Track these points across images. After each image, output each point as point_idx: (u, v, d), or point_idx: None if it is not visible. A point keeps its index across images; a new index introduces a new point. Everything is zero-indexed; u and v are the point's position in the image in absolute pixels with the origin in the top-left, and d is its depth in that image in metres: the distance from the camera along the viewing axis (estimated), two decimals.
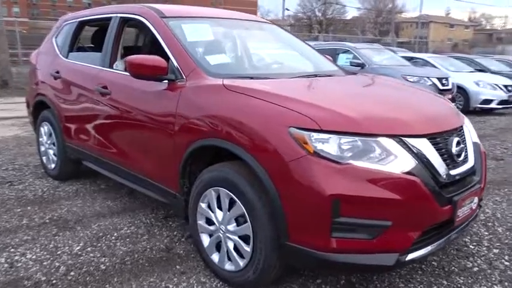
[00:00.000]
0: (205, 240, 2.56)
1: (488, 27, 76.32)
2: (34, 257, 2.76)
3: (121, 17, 3.43)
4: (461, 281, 2.55)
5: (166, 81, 2.75)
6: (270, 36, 3.65)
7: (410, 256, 2.10)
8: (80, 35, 4.11)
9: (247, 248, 2.27)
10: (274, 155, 2.08)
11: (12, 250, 2.84)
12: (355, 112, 2.14)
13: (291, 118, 2.09)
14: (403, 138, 2.10)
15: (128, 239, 3.02)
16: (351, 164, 1.99)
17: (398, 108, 2.39)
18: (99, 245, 2.94)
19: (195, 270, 2.63)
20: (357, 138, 2.04)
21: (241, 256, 2.34)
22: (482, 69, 11.47)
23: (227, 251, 2.41)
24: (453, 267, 2.70)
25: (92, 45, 4.20)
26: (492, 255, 2.87)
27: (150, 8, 3.22)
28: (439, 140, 2.24)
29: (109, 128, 3.28)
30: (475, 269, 2.70)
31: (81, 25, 4.05)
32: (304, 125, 2.05)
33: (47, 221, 3.31)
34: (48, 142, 4.23)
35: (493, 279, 2.59)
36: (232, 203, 2.34)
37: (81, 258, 2.76)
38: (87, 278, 2.53)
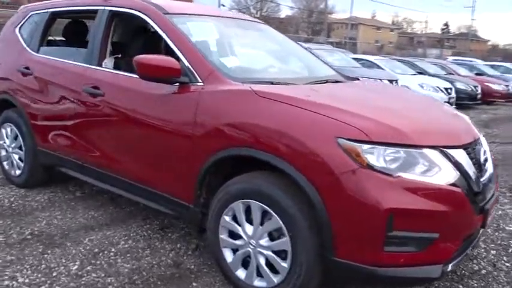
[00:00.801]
0: (228, 255, 2.40)
1: (409, 31, 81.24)
2: (27, 280, 2.43)
3: (111, 11, 3.13)
4: (475, 285, 2.63)
5: (177, 83, 2.54)
6: (268, 38, 3.52)
7: (450, 266, 2.11)
8: (51, 28, 3.71)
9: (284, 264, 2.16)
10: (322, 167, 1.99)
11: (6, 272, 2.48)
12: (400, 123, 2.11)
13: (338, 129, 2.01)
14: (444, 149, 2.10)
15: (128, 255, 2.77)
16: (401, 177, 1.96)
17: (433, 120, 2.40)
18: (98, 262, 2.66)
19: (213, 287, 2.47)
20: (404, 149, 2.01)
21: (275, 272, 2.22)
22: (422, 72, 12.15)
23: (257, 266, 2.28)
24: (463, 271, 2.77)
25: (64, 39, 3.82)
26: (492, 257, 3.00)
27: (149, 2, 2.97)
28: (470, 150, 2.27)
29: (100, 133, 3.00)
30: (483, 271, 2.80)
31: (54, 16, 3.66)
32: (354, 137, 1.98)
33: (28, 236, 2.95)
34: (12, 146, 3.78)
35: (501, 280, 2.70)
36: (264, 216, 2.22)
37: (83, 279, 2.48)
38: None
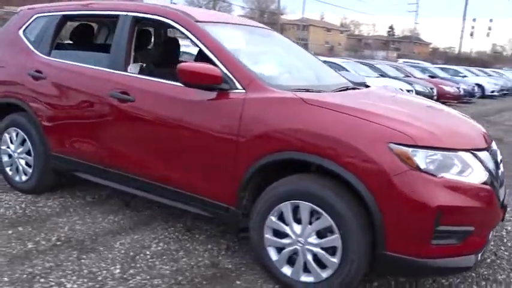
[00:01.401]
0: (273, 253, 2.54)
1: (356, 33, 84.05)
2: (76, 286, 2.45)
3: (134, 16, 3.17)
4: (485, 272, 2.93)
5: (217, 90, 2.65)
6: (283, 44, 3.68)
7: (480, 255, 2.37)
8: (61, 31, 3.66)
9: (334, 259, 2.33)
10: (375, 170, 2.18)
11: (43, 280, 2.47)
12: (437, 129, 2.35)
13: (389, 135, 2.21)
14: (474, 151, 2.35)
15: (164, 257, 2.84)
16: (444, 177, 2.18)
17: (459, 125, 2.65)
18: (138, 265, 2.71)
19: (257, 283, 2.61)
20: (444, 152, 2.24)
21: (322, 267, 2.38)
22: (383, 74, 12.75)
23: (305, 263, 2.43)
24: None
25: (75, 43, 3.78)
26: (492, 247, 3.32)
27: (178, 10, 3.04)
28: (490, 151, 2.55)
29: (130, 138, 3.02)
30: (488, 260, 3.11)
31: (66, 19, 3.61)
32: (404, 141, 2.18)
33: (57, 243, 2.93)
34: (19, 151, 3.69)
35: (505, 267, 3.02)
36: (312, 216, 2.38)
37: (131, 282, 2.52)
38: None
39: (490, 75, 21.70)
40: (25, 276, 2.50)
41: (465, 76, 19.27)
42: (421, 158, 2.17)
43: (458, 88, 14.75)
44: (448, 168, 2.22)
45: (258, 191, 2.58)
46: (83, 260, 2.72)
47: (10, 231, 3.05)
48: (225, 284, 2.58)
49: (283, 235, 2.48)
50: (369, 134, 2.23)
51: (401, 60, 27.85)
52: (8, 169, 3.82)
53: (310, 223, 2.38)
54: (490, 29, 61.40)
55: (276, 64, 3.23)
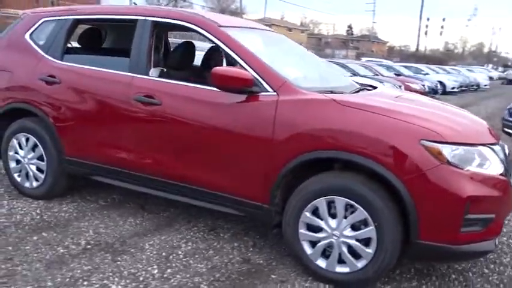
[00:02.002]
0: (307, 247, 2.68)
1: (315, 32, 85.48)
2: (120, 287, 2.50)
3: (153, 21, 3.22)
4: (491, 256, 3.18)
5: (247, 93, 2.76)
6: (293, 47, 3.82)
7: (497, 240, 2.61)
8: (72, 35, 3.65)
9: (369, 250, 2.50)
10: (409, 165, 2.36)
11: (86, 283, 2.51)
12: (459, 126, 2.57)
13: (421, 132, 2.39)
14: (491, 146, 2.58)
15: (196, 256, 2.92)
16: (469, 170, 2.40)
17: (472, 121, 2.88)
18: (174, 265, 2.78)
19: (291, 276, 2.74)
20: (468, 148, 2.45)
21: (357, 258, 2.55)
22: (355, 73, 13.13)
23: (339, 254, 2.59)
24: None
25: (86, 47, 3.77)
26: None
27: (199, 15, 3.13)
28: (500, 145, 2.79)
29: (157, 141, 3.07)
30: (505, 258, 3.34)
31: (77, 24, 3.60)
32: (433, 138, 2.38)
33: (88, 246, 2.95)
34: (30, 156, 3.64)
35: (506, 252, 3.29)
36: (346, 210, 2.53)
37: (172, 281, 2.60)
38: None
39: (449, 73, 22.76)
40: (67, 280, 2.53)
41: (427, 74, 20.11)
42: (449, 153, 2.37)
43: (423, 85, 15.38)
44: (471, 162, 2.44)
45: (289, 188, 2.72)
46: (118, 262, 2.77)
47: (35, 237, 3.04)
48: (262, 279, 2.70)
49: (318, 229, 2.63)
50: (403, 132, 2.41)
51: (364, 59, 28.59)
52: (16, 175, 3.76)
53: (345, 217, 2.54)
54: (442, 27, 64.21)
55: (296, 67, 3.35)
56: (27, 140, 3.64)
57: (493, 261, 3.12)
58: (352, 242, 2.54)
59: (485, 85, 24.81)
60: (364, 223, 2.50)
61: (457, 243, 2.40)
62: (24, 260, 2.72)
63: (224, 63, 3.65)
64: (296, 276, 2.75)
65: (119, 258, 2.81)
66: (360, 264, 2.54)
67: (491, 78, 30.59)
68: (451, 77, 21.09)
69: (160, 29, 3.44)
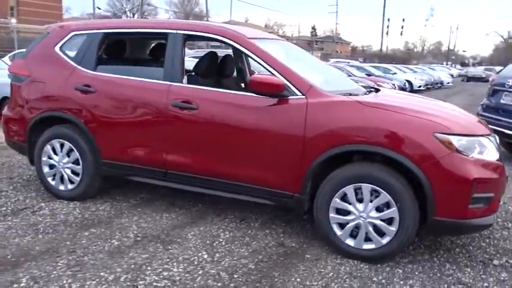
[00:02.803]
0: (337, 229, 3.10)
1: (280, 34, 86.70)
2: (181, 269, 2.85)
3: (184, 34, 3.57)
4: (486, 232, 3.70)
5: (278, 97, 3.16)
6: (305, 54, 4.24)
7: (495, 215, 3.11)
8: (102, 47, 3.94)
9: (392, 228, 2.94)
10: (426, 154, 2.82)
11: (150, 268, 2.84)
12: (462, 121, 3.07)
13: (434, 126, 2.86)
14: (488, 136, 3.09)
15: (236, 242, 3.29)
16: (474, 157, 2.89)
17: (468, 116, 3.37)
18: (220, 250, 3.14)
19: (322, 255, 3.15)
20: (472, 138, 2.95)
21: (381, 235, 2.99)
22: None
23: (366, 233, 3.02)
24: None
25: (110, 57, 4.06)
26: None
27: (228, 28, 3.51)
28: (493, 135, 3.30)
29: (195, 142, 3.41)
30: (496, 233, 3.85)
31: (108, 37, 3.90)
32: (444, 131, 2.85)
33: (138, 238, 3.27)
34: (65, 161, 3.91)
35: (497, 228, 3.83)
36: (371, 195, 2.97)
37: (223, 263, 2.96)
38: (252, 277, 2.80)
39: (415, 72, 23.88)
40: (132, 266, 2.85)
41: (395, 73, 21.07)
42: (457, 142, 2.85)
43: (393, 85, 16.19)
44: (474, 150, 2.93)
45: (317, 178, 3.13)
46: (170, 250, 3.10)
47: (86, 233, 3.33)
48: (298, 258, 3.10)
49: (346, 213, 3.06)
50: (418, 126, 2.88)
51: (332, 60, 29.44)
52: (49, 179, 4.01)
53: (371, 201, 2.98)
54: (402, 27, 66.56)
55: (313, 72, 3.76)
56: (61, 145, 3.90)
57: (487, 237, 3.63)
58: (377, 222, 2.98)
59: (448, 83, 26.13)
60: (387, 205, 2.94)
61: (466, 218, 2.89)
62: (86, 252, 3.01)
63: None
64: (327, 255, 3.16)
65: (169, 247, 3.15)
66: (385, 240, 2.98)
67: (451, 76, 32.11)
68: (418, 75, 22.17)
69: (190, 42, 3.78)
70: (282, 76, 3.20)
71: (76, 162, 3.87)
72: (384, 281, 2.85)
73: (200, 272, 2.83)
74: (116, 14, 57.02)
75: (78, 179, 3.90)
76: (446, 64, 56.10)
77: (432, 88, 23.03)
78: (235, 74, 4.41)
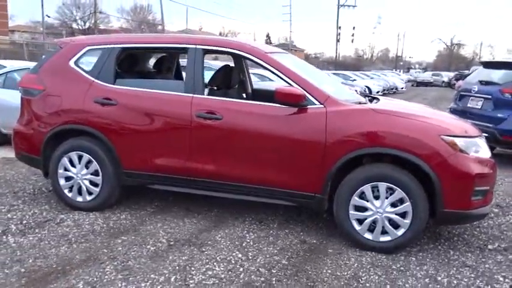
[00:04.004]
0: (356, 224, 3.44)
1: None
2: (222, 268, 3.07)
3: (203, 49, 3.80)
4: (485, 225, 4.15)
5: (298, 107, 3.47)
6: (309, 65, 4.56)
7: (490, 206, 3.57)
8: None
9: (407, 220, 3.31)
10: (435, 154, 3.22)
11: (193, 268, 3.05)
12: (460, 124, 3.52)
13: (440, 130, 3.27)
14: (480, 137, 3.54)
15: (263, 242, 3.55)
16: (473, 155, 3.32)
17: (461, 120, 3.82)
18: (251, 249, 3.39)
19: (343, 249, 3.47)
20: (470, 139, 3.38)
21: (396, 228, 3.35)
22: None
23: (382, 227, 3.38)
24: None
25: (125, 71, 4.22)
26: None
27: (246, 44, 3.79)
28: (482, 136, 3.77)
29: (219, 150, 3.64)
30: (484, 223, 4.30)
31: (124, 51, 4.05)
32: (449, 133, 3.27)
33: (171, 243, 3.45)
34: (83, 173, 4.01)
35: (486, 219, 4.30)
36: (386, 192, 3.33)
37: (259, 260, 3.21)
38: (288, 272, 3.08)
39: (372, 78, 25.00)
40: (177, 268, 3.05)
41: (354, 80, 21.99)
42: (461, 143, 3.26)
43: (356, 91, 16.95)
44: (472, 149, 3.36)
45: (336, 179, 3.46)
46: (206, 252, 3.32)
47: (119, 241, 3.47)
48: (323, 253, 3.41)
49: (364, 209, 3.40)
50: (427, 130, 3.27)
51: None
52: (66, 191, 4.10)
53: (386, 198, 3.34)
54: (353, 35, 69.12)
55: (324, 82, 4.08)
56: (79, 157, 4.01)
57: (477, 226, 4.09)
58: (393, 216, 3.34)
59: (402, 88, 27.53)
60: (401, 201, 3.31)
61: (469, 209, 3.30)
62: (127, 258, 3.17)
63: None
64: (347, 248, 3.49)
65: (203, 249, 3.36)
66: (400, 232, 3.35)
67: (404, 81, 33.77)
68: (375, 81, 23.25)
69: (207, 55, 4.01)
70: (301, 87, 3.51)
71: (95, 173, 3.99)
72: (402, 268, 3.21)
73: (241, 270, 3.06)
74: (66, 22, 55.40)
75: (97, 189, 4.01)
76: (396, 70, 58.66)
77: (388, 93, 24.19)
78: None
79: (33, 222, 3.82)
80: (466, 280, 3.07)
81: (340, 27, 64.58)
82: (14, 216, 3.94)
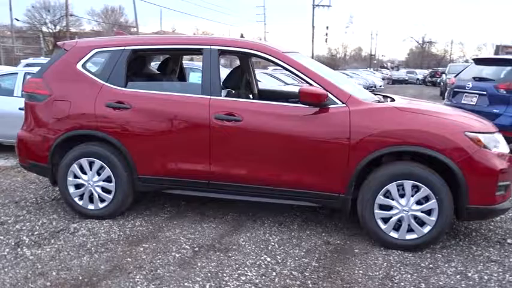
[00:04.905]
0: (381, 223, 3.43)
1: None
2: (255, 273, 3.00)
3: (219, 50, 3.73)
4: (498, 219, 4.19)
5: (319, 106, 3.44)
6: (322, 64, 4.52)
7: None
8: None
9: (433, 218, 3.32)
10: (460, 151, 3.23)
11: (225, 273, 2.97)
12: (479, 120, 3.54)
13: (464, 127, 3.29)
14: (498, 132, 3.59)
15: (288, 244, 3.50)
16: (494, 151, 3.36)
17: (478, 116, 3.85)
18: (278, 252, 3.34)
19: (369, 249, 3.46)
20: (490, 135, 3.41)
21: (422, 225, 3.36)
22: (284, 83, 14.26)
23: (408, 225, 3.38)
24: None
25: (137, 73, 4.10)
26: None
27: (263, 44, 3.74)
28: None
29: (240, 152, 3.57)
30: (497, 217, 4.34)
31: (135, 53, 3.93)
32: (472, 130, 3.29)
33: (196, 249, 3.36)
34: (95, 179, 3.87)
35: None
36: (412, 190, 3.33)
37: (288, 264, 3.16)
38: (321, 274, 3.04)
39: (351, 77, 25.20)
40: (209, 274, 2.97)
41: None
42: (484, 139, 3.29)
43: None
44: (493, 145, 3.39)
45: (360, 178, 3.44)
46: (233, 257, 3.24)
47: (141, 248, 3.36)
48: (349, 253, 3.38)
49: (389, 208, 3.39)
50: (451, 127, 3.29)
51: (271, 68, 30.12)
52: (76, 199, 3.95)
53: (412, 196, 3.34)
54: (327, 35, 69.87)
55: (340, 81, 4.05)
56: (90, 164, 3.86)
57: (491, 220, 4.14)
58: (419, 213, 3.34)
59: (380, 86, 27.90)
60: (426, 198, 3.32)
61: (494, 204, 3.34)
62: (155, 266, 3.07)
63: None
64: (372, 247, 3.47)
65: (230, 254, 3.28)
66: (426, 230, 3.35)
67: (382, 79, 34.28)
68: (355, 80, 23.44)
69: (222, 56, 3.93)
70: (322, 87, 3.47)
71: (108, 179, 3.85)
72: (431, 265, 3.21)
73: (274, 274, 3.01)
74: (35, 25, 53.96)
75: (110, 196, 3.87)
76: (371, 68, 59.52)
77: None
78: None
79: (46, 232, 3.66)
80: (495, 275, 3.09)
81: (314, 27, 65.44)
82: (24, 227, 3.77)
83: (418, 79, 41.94)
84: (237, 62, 4.71)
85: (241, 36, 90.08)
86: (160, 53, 4.22)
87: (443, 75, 22.23)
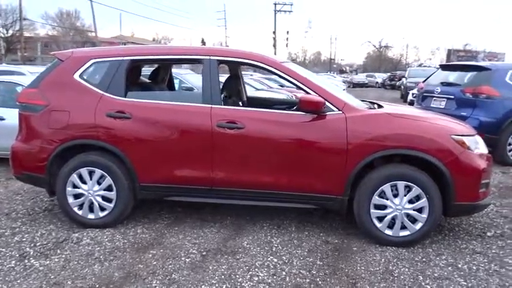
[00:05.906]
0: (376, 222, 3.66)
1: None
2: (265, 273, 3.16)
3: (218, 60, 3.86)
4: (476, 215, 4.52)
5: (317, 114, 3.65)
6: (312, 73, 4.72)
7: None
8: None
9: (424, 215, 3.59)
10: (447, 152, 3.52)
11: (237, 275, 3.10)
12: (461, 124, 3.86)
13: (450, 130, 3.59)
14: (477, 135, 3.92)
15: (289, 245, 3.67)
16: (476, 152, 3.67)
17: (458, 120, 4.17)
18: (283, 253, 3.50)
19: (365, 246, 3.68)
20: (471, 137, 3.73)
21: (414, 222, 3.62)
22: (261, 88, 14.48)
23: (401, 223, 3.63)
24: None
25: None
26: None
27: (260, 54, 3.90)
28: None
29: (242, 159, 3.71)
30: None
31: (134, 63, 4.00)
32: (457, 133, 3.59)
33: (203, 253, 3.47)
34: (95, 189, 3.90)
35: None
36: (405, 189, 3.59)
37: (295, 264, 3.33)
38: (327, 271, 3.23)
39: None
40: (222, 276, 3.09)
41: None
42: (468, 142, 3.60)
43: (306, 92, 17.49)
44: (475, 146, 3.71)
45: (355, 181, 3.67)
46: (241, 259, 3.38)
47: (149, 255, 3.44)
48: (349, 251, 3.60)
49: (384, 207, 3.63)
50: (439, 131, 3.58)
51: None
52: (76, 209, 3.96)
53: (404, 195, 3.59)
54: (287, 39, 71.11)
55: (336, 90, 4.26)
56: (90, 173, 3.89)
57: (469, 217, 4.49)
58: (411, 212, 3.60)
59: (343, 89, 28.69)
60: (417, 197, 3.58)
61: (477, 200, 3.65)
62: (168, 271, 3.16)
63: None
64: (369, 245, 3.70)
65: (237, 257, 3.42)
66: (417, 226, 3.61)
67: (344, 83, 35.20)
68: None
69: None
70: (319, 95, 3.68)
71: (108, 188, 3.89)
72: (424, 259, 3.48)
73: (284, 273, 3.17)
74: None
75: (111, 205, 3.91)
76: (331, 72, 60.86)
77: None
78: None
79: (49, 243, 3.66)
80: (482, 265, 3.39)
81: (274, 32, 66.32)
82: (23, 239, 3.75)
83: (377, 82, 43.35)
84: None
85: (202, 41, 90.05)
86: (158, 63, 4.29)
87: (404, 79, 23.12)
